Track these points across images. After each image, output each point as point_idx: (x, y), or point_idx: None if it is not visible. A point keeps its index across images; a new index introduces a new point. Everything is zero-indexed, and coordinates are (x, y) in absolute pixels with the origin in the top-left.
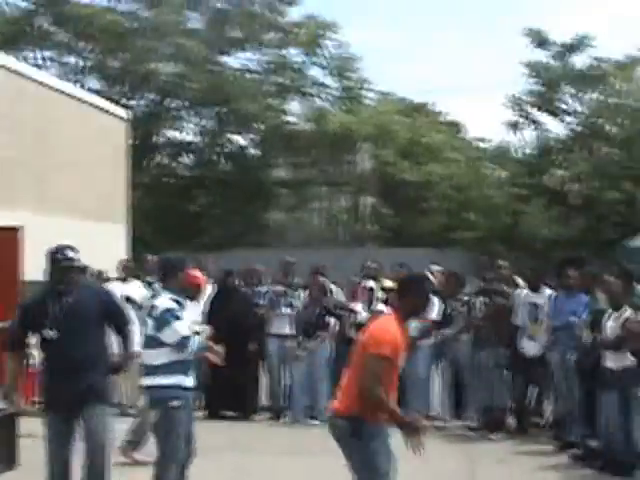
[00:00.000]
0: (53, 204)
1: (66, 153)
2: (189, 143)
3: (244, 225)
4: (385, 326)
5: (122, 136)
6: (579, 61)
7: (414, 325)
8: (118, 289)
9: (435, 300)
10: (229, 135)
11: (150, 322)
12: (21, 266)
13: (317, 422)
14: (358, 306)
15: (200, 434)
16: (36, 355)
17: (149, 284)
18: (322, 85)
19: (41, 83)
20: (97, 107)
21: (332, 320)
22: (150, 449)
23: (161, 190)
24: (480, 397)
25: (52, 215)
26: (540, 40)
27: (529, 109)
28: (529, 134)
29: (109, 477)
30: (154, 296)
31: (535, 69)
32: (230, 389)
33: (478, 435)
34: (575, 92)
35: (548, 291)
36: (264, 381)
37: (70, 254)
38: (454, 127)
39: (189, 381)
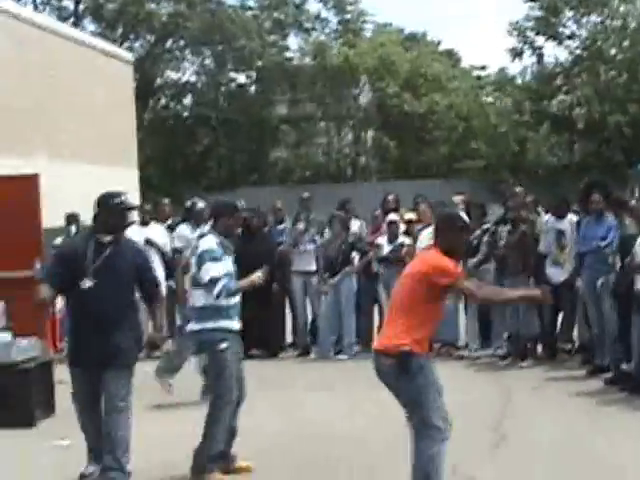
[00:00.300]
0: (66, 150)
1: (76, 98)
2: (189, 83)
3: (247, 163)
4: (439, 256)
5: (129, 79)
6: None
7: None
8: (138, 233)
9: None
10: (229, 74)
11: (193, 262)
12: (40, 214)
13: (344, 357)
14: (381, 240)
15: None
16: (59, 301)
17: (170, 228)
18: (321, 19)
19: (46, 28)
20: (103, 51)
21: (355, 255)
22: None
23: (163, 132)
24: (508, 325)
25: (66, 162)
26: None
27: (530, 35)
28: (530, 60)
29: (127, 444)
30: (201, 236)
31: None
32: (256, 328)
33: (507, 363)
34: (576, 16)
35: (573, 217)
36: (288, 319)
37: (128, 201)
38: (451, 56)
39: (235, 324)
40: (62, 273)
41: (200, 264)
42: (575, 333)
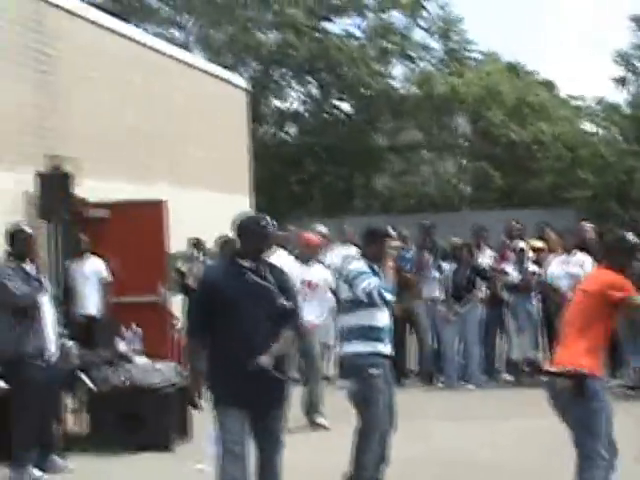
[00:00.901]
0: (185, 177)
1: (194, 125)
2: (294, 112)
3: (352, 191)
4: (612, 273)
5: (244, 106)
6: None
7: None
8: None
9: (588, 258)
10: (334, 101)
11: (344, 286)
12: (167, 239)
13: (471, 386)
14: (509, 267)
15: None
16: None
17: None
18: (426, 48)
19: (170, 56)
20: (220, 77)
21: (482, 282)
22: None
23: (269, 160)
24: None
25: (185, 188)
26: None
27: (636, 63)
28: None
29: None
30: (349, 261)
31: None
32: None
33: (637, 394)
34: None
35: None
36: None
37: (270, 223)
38: (550, 86)
39: (386, 348)
40: (207, 309)
41: (355, 282)
42: None
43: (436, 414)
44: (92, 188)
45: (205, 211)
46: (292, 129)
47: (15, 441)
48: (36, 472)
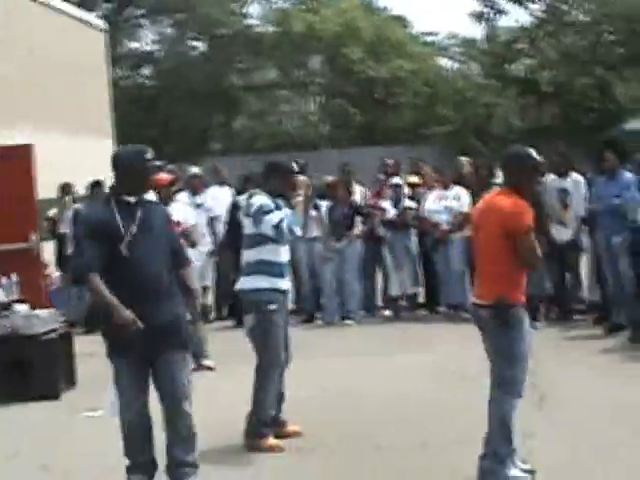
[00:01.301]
0: (47, 121)
1: (55, 67)
2: (149, 52)
3: (212, 132)
4: (515, 200)
5: (102, 47)
6: None
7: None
8: None
9: (464, 192)
10: (189, 42)
11: (247, 221)
12: (35, 185)
13: (350, 322)
14: (385, 203)
15: (234, 341)
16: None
17: None
18: None
19: None
20: (78, 18)
21: (359, 219)
22: None
23: (126, 103)
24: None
25: (49, 132)
26: None
27: None
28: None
29: (195, 438)
30: (251, 196)
31: None
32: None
33: None
34: None
35: (576, 176)
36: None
37: (151, 156)
38: (402, 21)
39: (285, 283)
40: (97, 247)
41: (260, 218)
42: (585, 293)
43: (320, 352)
44: None
45: (69, 155)
46: (147, 71)
47: None
48: None
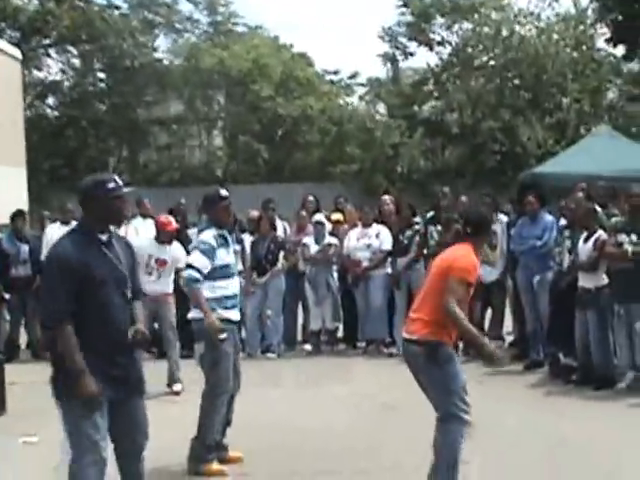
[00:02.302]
0: None
1: None
2: (54, 82)
3: (117, 165)
4: (468, 253)
5: (18, 76)
6: None
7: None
8: (60, 232)
9: (385, 230)
10: (97, 73)
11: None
12: None
13: (273, 355)
14: (308, 240)
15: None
16: None
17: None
18: (192, 20)
19: None
20: None
21: (282, 254)
22: None
23: (29, 132)
24: None
25: None
26: None
27: (402, 40)
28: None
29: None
30: (201, 230)
31: (407, 1)
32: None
33: None
34: (447, 22)
35: (503, 217)
36: None
37: (115, 185)
38: (305, 59)
39: (234, 314)
40: (71, 292)
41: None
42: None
43: (243, 383)
44: None
45: None
46: (52, 100)
47: None
48: None
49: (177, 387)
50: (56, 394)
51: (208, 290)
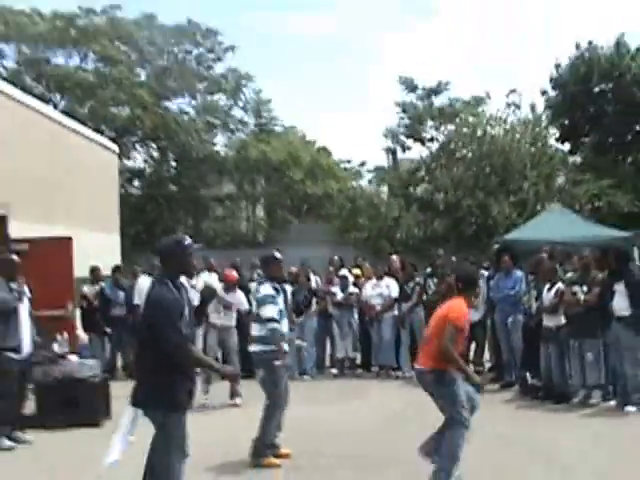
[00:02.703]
0: (76, 219)
1: (82, 179)
2: (140, 169)
3: (184, 231)
4: (460, 305)
5: (115, 165)
6: (438, 101)
7: None
8: (148, 282)
9: (394, 282)
10: (171, 162)
11: (255, 303)
12: (73, 267)
13: (307, 377)
14: (335, 289)
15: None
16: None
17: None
18: (243, 122)
19: (68, 127)
20: (100, 143)
21: (315, 300)
22: None
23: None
24: None
25: (75, 228)
26: (410, 85)
27: (402, 138)
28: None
29: None
30: (260, 283)
31: (405, 108)
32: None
33: None
34: (436, 124)
35: (484, 272)
36: None
37: (189, 243)
38: (326, 151)
39: (285, 347)
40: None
41: (260, 305)
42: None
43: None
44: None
45: (92, 247)
46: (136, 182)
47: None
48: (7, 442)
49: (238, 400)
50: (156, 406)
51: (262, 327)
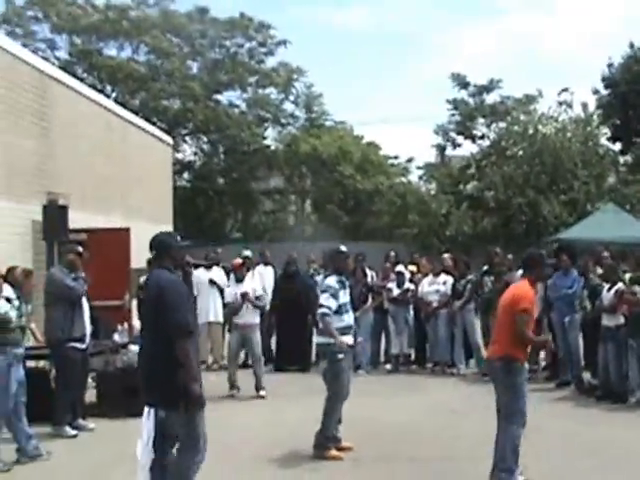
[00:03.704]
0: (131, 211)
1: (137, 171)
2: (190, 162)
3: (234, 225)
4: (524, 290)
5: (170, 157)
6: (490, 98)
7: None
8: (203, 274)
9: (450, 279)
10: (221, 155)
11: (323, 295)
12: (130, 258)
13: (362, 372)
14: (391, 285)
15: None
16: None
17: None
18: (293, 116)
19: (123, 118)
20: (155, 135)
21: (370, 296)
22: None
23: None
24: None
25: (131, 219)
26: (461, 82)
27: (452, 135)
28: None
29: None
30: (326, 276)
31: (456, 105)
32: (293, 349)
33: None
34: (486, 121)
35: None
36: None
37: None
38: (374, 147)
39: (349, 340)
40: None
41: (322, 294)
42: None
43: None
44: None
45: (144, 236)
46: (186, 175)
47: (57, 406)
48: (71, 430)
49: (262, 392)
50: (172, 401)
51: (336, 322)
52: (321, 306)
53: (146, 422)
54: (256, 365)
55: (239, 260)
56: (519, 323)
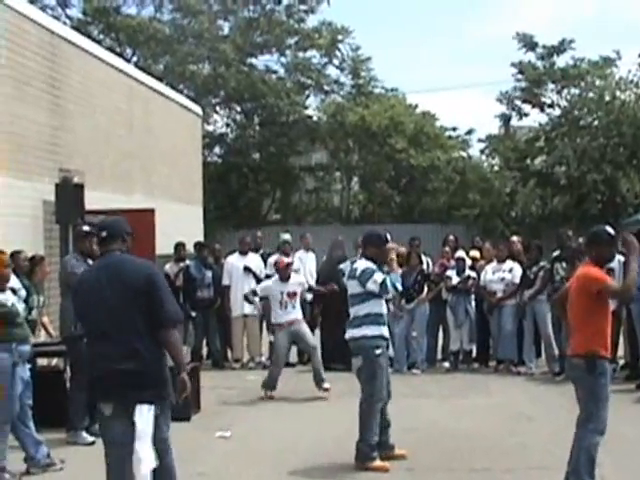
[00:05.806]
0: (155, 190)
1: (162, 145)
2: (221, 135)
3: (272, 205)
4: (591, 270)
5: (199, 129)
6: (561, 61)
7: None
8: (239, 261)
9: (517, 266)
10: (256, 127)
11: (352, 282)
12: (155, 241)
13: (417, 371)
14: (450, 272)
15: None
16: None
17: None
18: (338, 83)
19: (146, 85)
20: (182, 105)
21: (427, 285)
22: None
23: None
24: (560, 346)
25: (156, 199)
26: (528, 43)
27: (517, 102)
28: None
29: None
30: (353, 262)
31: (523, 68)
32: (340, 347)
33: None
34: (557, 87)
35: (620, 257)
36: None
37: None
38: (431, 117)
39: (385, 331)
40: None
41: (366, 279)
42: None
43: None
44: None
45: (171, 219)
46: (217, 149)
47: (72, 410)
48: (88, 436)
49: (326, 385)
50: (164, 395)
51: (367, 307)
52: (381, 289)
53: (139, 421)
54: (313, 356)
55: (286, 260)
56: (608, 290)
